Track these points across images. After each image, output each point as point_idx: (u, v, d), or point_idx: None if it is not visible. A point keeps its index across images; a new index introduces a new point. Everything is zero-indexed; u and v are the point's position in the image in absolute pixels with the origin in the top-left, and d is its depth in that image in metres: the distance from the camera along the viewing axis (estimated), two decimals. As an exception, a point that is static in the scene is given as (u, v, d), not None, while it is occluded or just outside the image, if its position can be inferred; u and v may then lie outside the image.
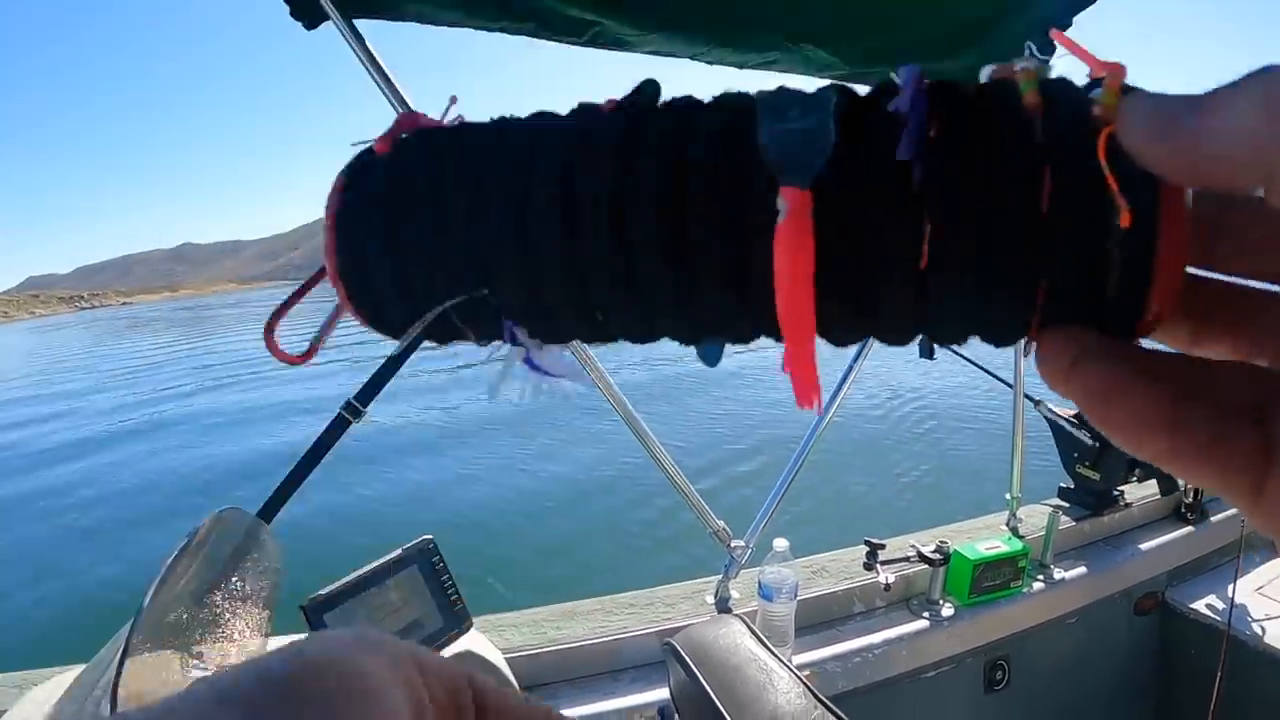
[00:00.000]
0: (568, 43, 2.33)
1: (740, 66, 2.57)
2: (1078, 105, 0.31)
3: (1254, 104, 0.24)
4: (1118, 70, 0.30)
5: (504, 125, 0.41)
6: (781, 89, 0.35)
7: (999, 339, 0.34)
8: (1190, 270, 0.34)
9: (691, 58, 2.46)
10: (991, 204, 0.31)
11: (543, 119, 0.40)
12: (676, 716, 1.97)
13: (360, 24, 2.17)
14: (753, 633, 2.01)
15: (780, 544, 2.53)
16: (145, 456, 13.81)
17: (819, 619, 2.77)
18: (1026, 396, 3.45)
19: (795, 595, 2.50)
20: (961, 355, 4.18)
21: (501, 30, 2.24)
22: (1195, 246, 0.33)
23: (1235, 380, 0.32)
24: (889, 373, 14.53)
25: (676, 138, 0.35)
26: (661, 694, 2.23)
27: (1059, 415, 3.37)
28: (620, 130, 0.37)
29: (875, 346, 2.84)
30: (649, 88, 0.39)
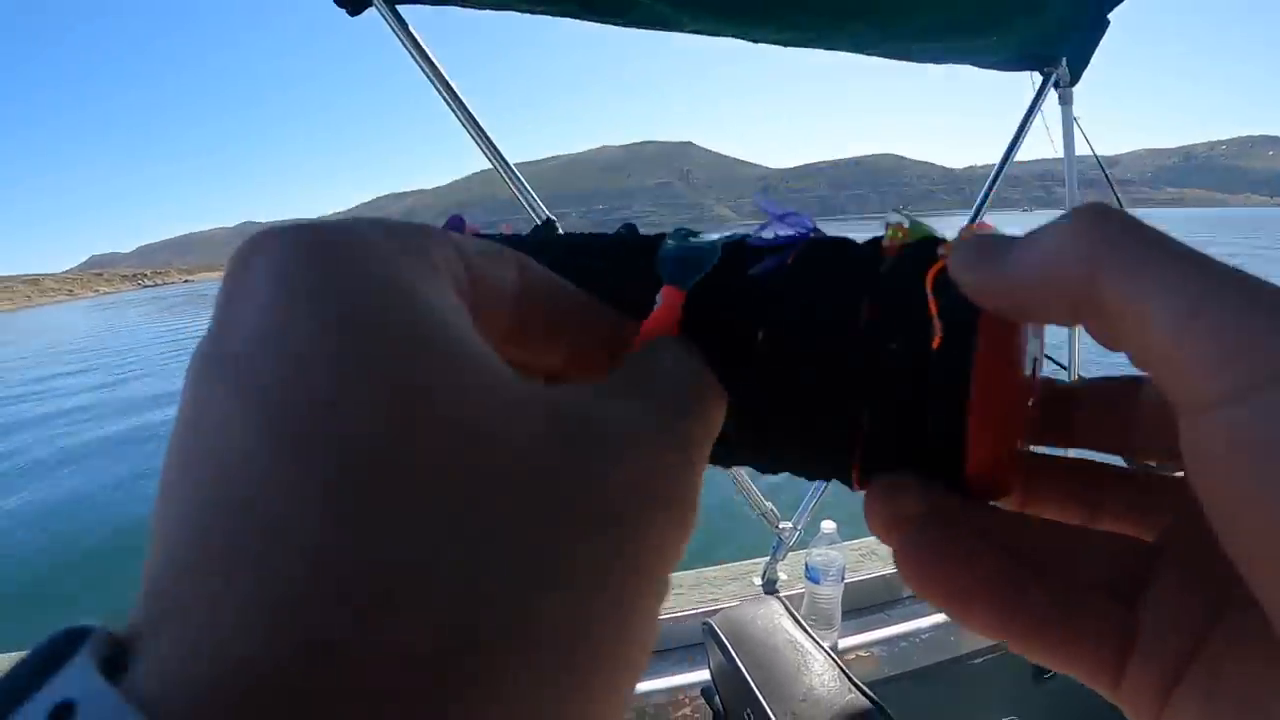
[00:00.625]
0: (610, 23, 2.32)
1: (785, 45, 2.55)
2: (924, 248, 0.33)
3: (1061, 238, 0.27)
4: (985, 228, 0.32)
5: None
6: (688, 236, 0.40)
7: (822, 469, 0.36)
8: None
9: (735, 36, 2.44)
10: (809, 316, 0.34)
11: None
12: (718, 696, 1.97)
13: (404, 10, 2.18)
14: (791, 615, 2.01)
15: (828, 526, 2.53)
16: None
17: (866, 603, 2.76)
18: (1080, 379, 3.40)
19: (842, 578, 2.48)
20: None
21: (543, 12, 2.24)
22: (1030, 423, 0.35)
23: (1097, 553, 0.32)
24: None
25: (610, 244, 0.42)
26: (706, 675, 2.23)
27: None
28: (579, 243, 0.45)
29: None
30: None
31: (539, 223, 0.49)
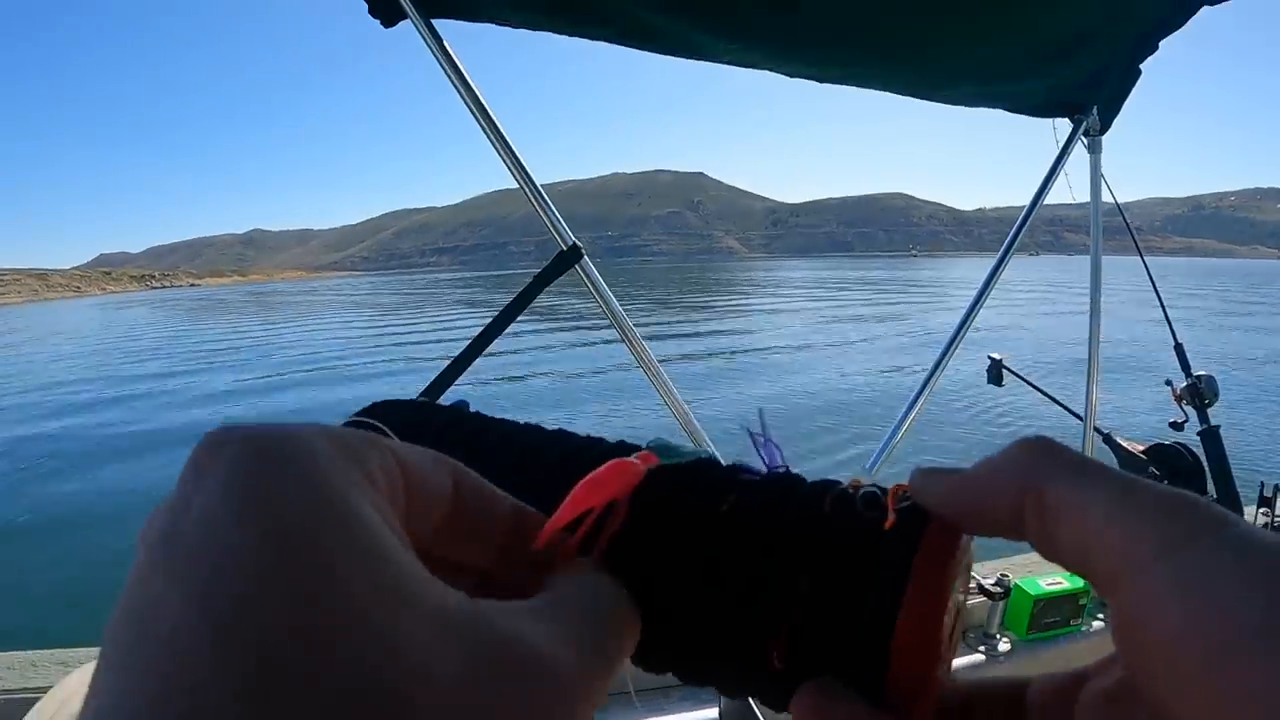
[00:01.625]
0: (646, 49, 2.32)
1: (819, 80, 2.55)
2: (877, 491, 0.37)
3: (1010, 459, 0.33)
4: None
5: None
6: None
7: (742, 662, 0.37)
8: None
9: (770, 69, 2.44)
10: (775, 494, 0.39)
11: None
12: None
13: (438, 23, 2.17)
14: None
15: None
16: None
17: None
18: (1096, 430, 3.38)
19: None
20: (1033, 385, 4.13)
21: (580, 35, 2.24)
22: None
23: None
24: (969, 399, 14.42)
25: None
26: (712, 713, 2.20)
27: (1128, 449, 3.30)
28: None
29: (953, 363, 2.81)
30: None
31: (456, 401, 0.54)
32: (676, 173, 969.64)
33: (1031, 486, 0.31)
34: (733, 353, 25.17)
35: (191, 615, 0.22)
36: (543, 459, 0.45)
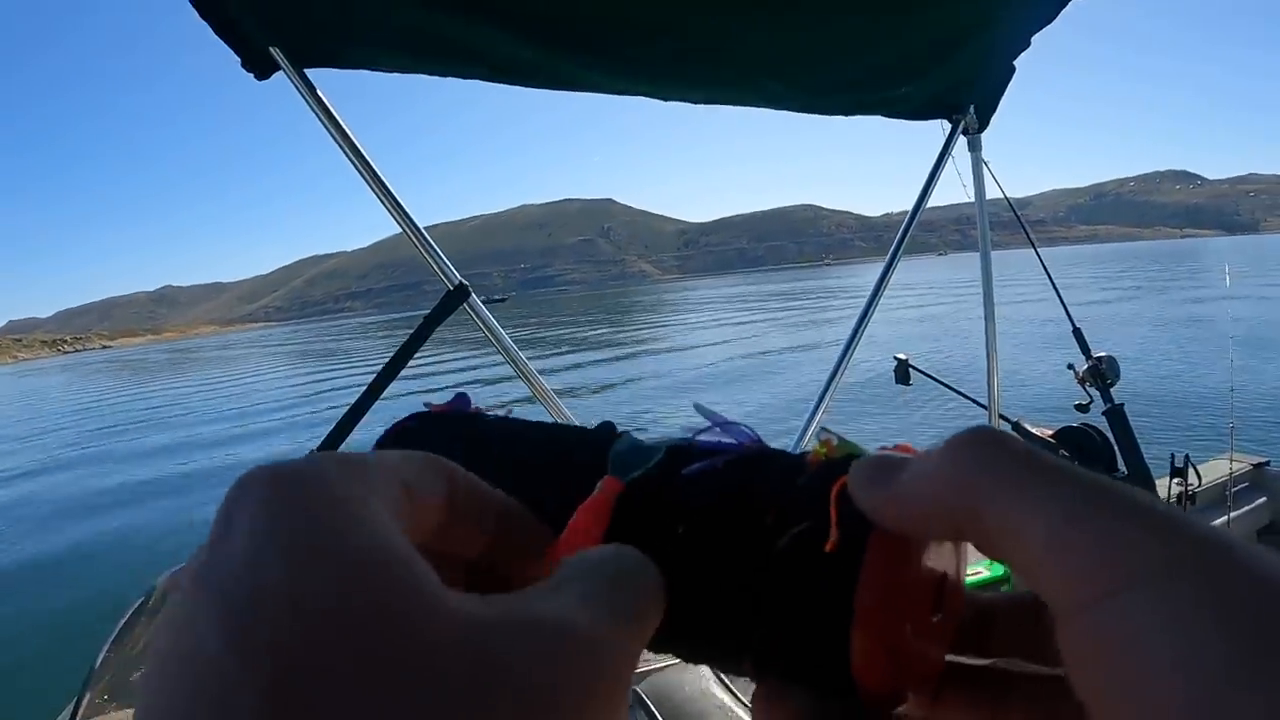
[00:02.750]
0: (519, 84, 2.33)
1: (696, 102, 2.57)
2: (842, 465, 0.36)
3: (943, 467, 0.30)
4: (905, 449, 0.36)
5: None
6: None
7: (719, 660, 0.39)
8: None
9: (647, 95, 2.46)
10: (723, 516, 0.38)
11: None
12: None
13: (312, 73, 2.16)
14: (719, 679, 1.99)
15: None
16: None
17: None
18: (1002, 417, 3.44)
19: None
20: (938, 380, 4.20)
21: (453, 75, 2.25)
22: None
23: None
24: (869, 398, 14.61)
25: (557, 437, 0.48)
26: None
27: (1035, 434, 3.37)
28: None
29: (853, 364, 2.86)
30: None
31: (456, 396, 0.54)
32: (585, 200, 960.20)
33: (966, 509, 0.29)
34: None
35: (226, 639, 0.23)
36: (535, 452, 0.47)
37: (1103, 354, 3.87)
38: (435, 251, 2.34)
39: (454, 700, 0.23)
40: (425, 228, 2.37)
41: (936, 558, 0.36)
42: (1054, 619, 0.26)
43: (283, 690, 0.22)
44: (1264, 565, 0.23)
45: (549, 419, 2.49)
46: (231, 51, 2.12)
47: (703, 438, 0.42)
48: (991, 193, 3.23)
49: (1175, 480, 3.74)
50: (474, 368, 30.20)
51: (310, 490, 0.27)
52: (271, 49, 2.11)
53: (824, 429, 0.41)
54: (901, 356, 4.24)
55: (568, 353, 37.41)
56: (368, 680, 0.22)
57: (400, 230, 2.31)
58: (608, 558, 0.33)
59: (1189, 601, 0.23)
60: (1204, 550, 0.24)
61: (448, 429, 0.52)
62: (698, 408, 0.45)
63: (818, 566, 0.34)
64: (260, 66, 2.15)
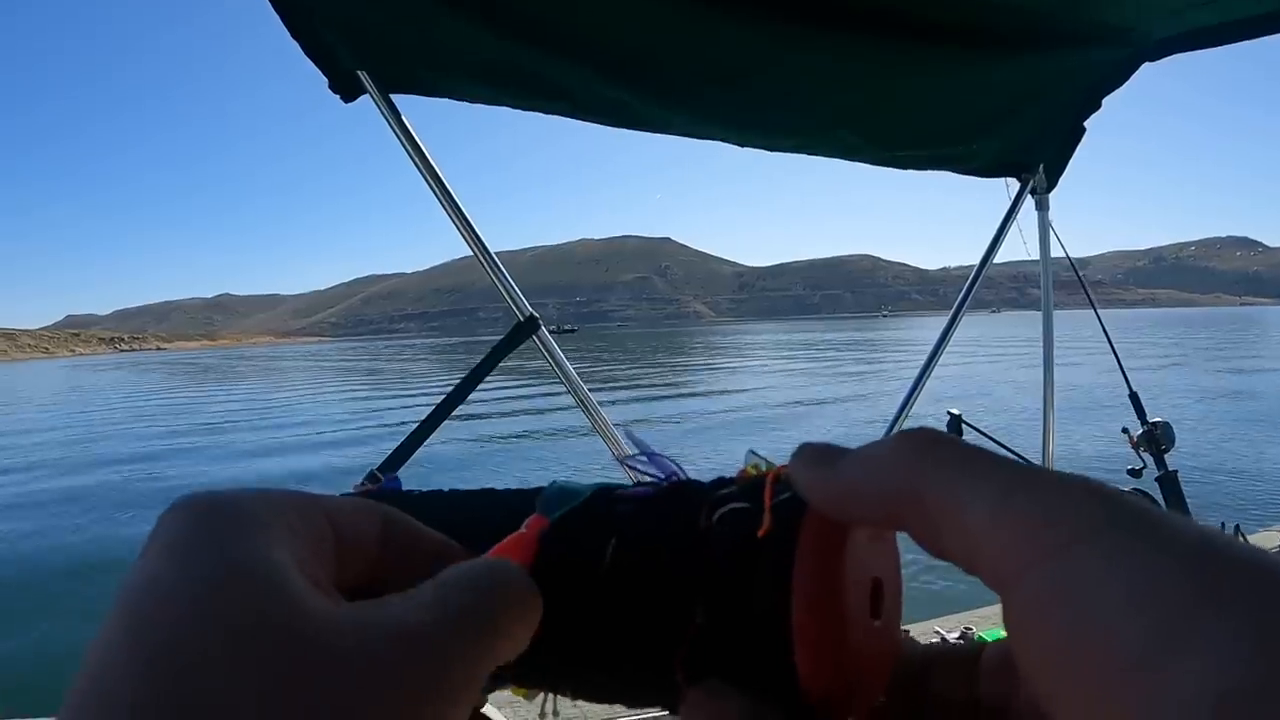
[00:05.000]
0: (601, 122, 2.37)
1: (772, 150, 2.59)
2: (762, 480, 0.37)
3: (887, 453, 0.31)
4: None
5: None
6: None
7: (647, 673, 0.38)
8: None
9: (724, 140, 2.49)
10: (655, 525, 0.40)
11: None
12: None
13: (398, 98, 2.22)
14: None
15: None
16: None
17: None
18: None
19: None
20: (990, 438, 4.16)
21: (536, 109, 2.29)
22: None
23: None
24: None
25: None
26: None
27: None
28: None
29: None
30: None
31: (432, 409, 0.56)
32: (643, 238, 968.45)
33: (908, 492, 0.30)
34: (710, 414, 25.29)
35: (130, 651, 0.26)
36: (470, 508, 0.49)
37: (1158, 419, 3.81)
38: (508, 282, 2.38)
39: (289, 685, 0.26)
40: (485, 256, 2.43)
41: (871, 557, 0.36)
42: (1002, 595, 0.26)
43: (160, 673, 0.26)
44: (1194, 524, 0.24)
45: (608, 452, 2.52)
46: (319, 72, 2.18)
47: (636, 465, 0.44)
48: (1054, 252, 3.20)
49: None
50: (524, 396, 30.12)
51: (220, 518, 0.31)
52: (359, 73, 2.17)
53: (751, 451, 0.42)
54: (955, 412, 4.19)
55: (621, 388, 37.29)
56: (231, 666, 0.26)
57: (468, 256, 2.33)
58: (477, 567, 0.35)
59: (1138, 548, 0.23)
60: (1143, 510, 0.25)
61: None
62: (628, 434, 0.49)
63: (753, 550, 0.35)
64: (347, 89, 2.21)
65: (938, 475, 0.29)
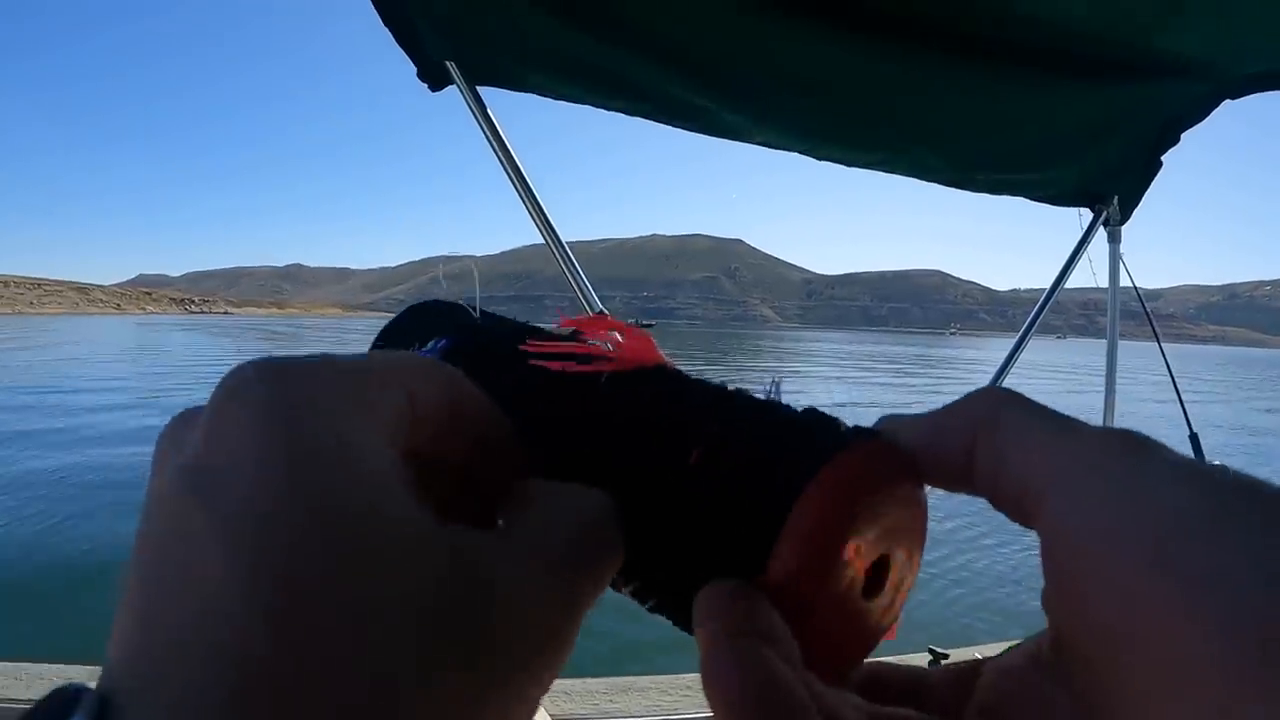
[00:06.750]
0: (682, 127, 2.42)
1: (847, 164, 2.60)
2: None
3: (962, 403, 0.35)
4: None
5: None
6: None
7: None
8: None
9: (801, 152, 2.51)
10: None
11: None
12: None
13: (482, 90, 2.28)
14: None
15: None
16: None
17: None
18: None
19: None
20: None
21: (619, 109, 2.34)
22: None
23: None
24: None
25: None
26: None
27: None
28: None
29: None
30: None
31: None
32: (715, 238, 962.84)
33: (985, 422, 0.33)
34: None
35: (223, 553, 0.25)
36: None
37: (1217, 464, 3.76)
38: (580, 276, 2.42)
39: (413, 631, 0.25)
40: (557, 245, 2.44)
41: (889, 543, 0.37)
42: (1056, 501, 0.29)
43: (288, 618, 0.24)
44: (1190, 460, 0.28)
45: None
46: (408, 60, 2.23)
47: None
48: (1124, 283, 3.18)
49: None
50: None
51: (308, 406, 0.28)
52: (448, 63, 2.22)
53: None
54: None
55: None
56: (353, 611, 0.24)
57: (537, 243, 2.36)
58: (569, 512, 0.34)
59: (1182, 459, 0.28)
60: (1156, 444, 0.29)
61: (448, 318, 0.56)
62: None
63: (809, 430, 0.37)
64: (435, 78, 2.26)
65: (1009, 411, 0.33)
